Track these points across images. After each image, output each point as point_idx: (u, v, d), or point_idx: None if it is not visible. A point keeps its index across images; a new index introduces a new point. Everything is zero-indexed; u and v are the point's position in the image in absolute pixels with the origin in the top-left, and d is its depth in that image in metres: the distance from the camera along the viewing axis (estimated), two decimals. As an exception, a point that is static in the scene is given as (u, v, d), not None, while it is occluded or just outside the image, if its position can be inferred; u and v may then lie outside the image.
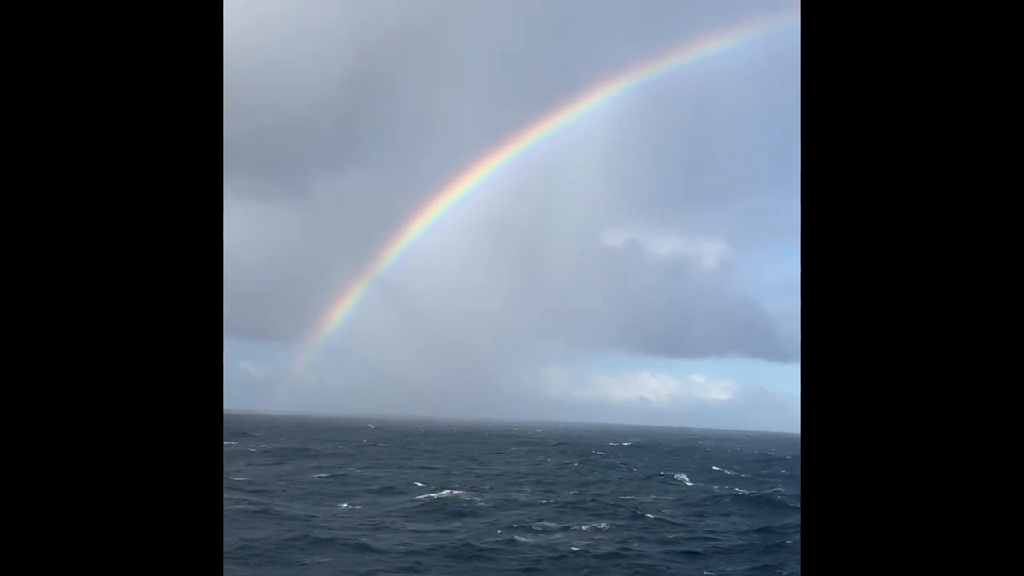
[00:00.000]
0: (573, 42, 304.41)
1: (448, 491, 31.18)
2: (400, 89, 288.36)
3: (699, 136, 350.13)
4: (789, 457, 70.08)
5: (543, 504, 28.58)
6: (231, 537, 19.18)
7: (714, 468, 51.89)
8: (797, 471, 8.61)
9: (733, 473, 48.05)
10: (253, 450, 54.14)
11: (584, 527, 23.76)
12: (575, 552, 19.73)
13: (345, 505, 27.42)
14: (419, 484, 33.87)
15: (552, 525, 24.02)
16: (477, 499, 29.29)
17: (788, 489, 34.36)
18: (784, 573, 18.58)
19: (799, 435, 2.42)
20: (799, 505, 4.39)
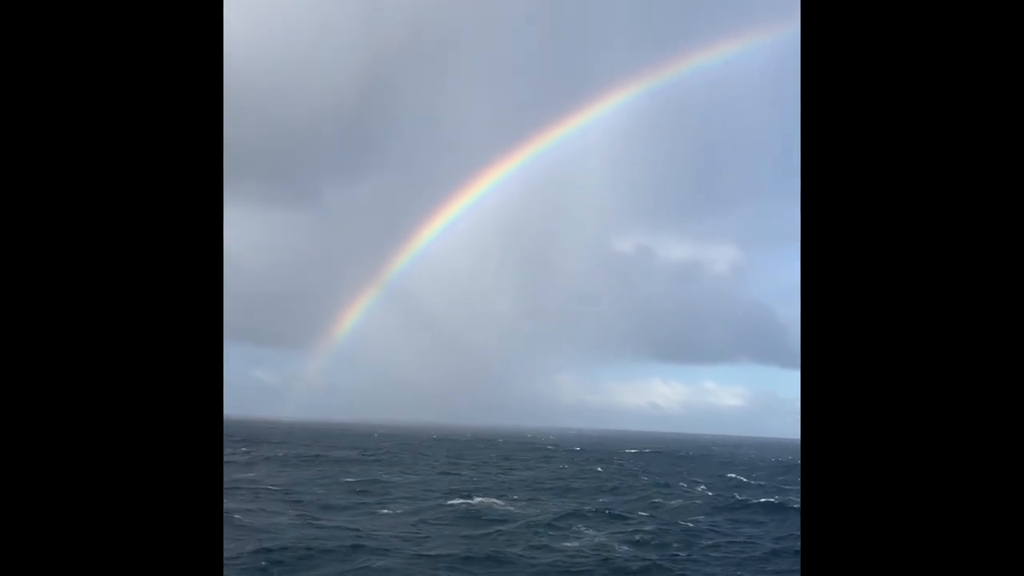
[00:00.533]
0: (585, 47, 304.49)
1: (481, 498, 31.56)
2: (411, 93, 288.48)
3: (710, 141, 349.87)
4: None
5: (575, 511, 28.92)
6: (290, 544, 19.64)
7: (730, 475, 52.05)
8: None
9: (754, 481, 48.24)
10: (272, 456, 54.43)
11: (623, 534, 24.13)
12: (624, 559, 20.13)
13: (386, 511, 27.93)
14: (449, 490, 34.26)
15: (592, 532, 24.43)
16: (511, 507, 29.65)
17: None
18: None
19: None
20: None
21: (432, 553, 19.87)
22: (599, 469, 54.88)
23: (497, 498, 31.94)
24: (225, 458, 50.32)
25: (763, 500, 34.07)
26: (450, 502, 29.95)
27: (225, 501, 26.43)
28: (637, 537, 23.71)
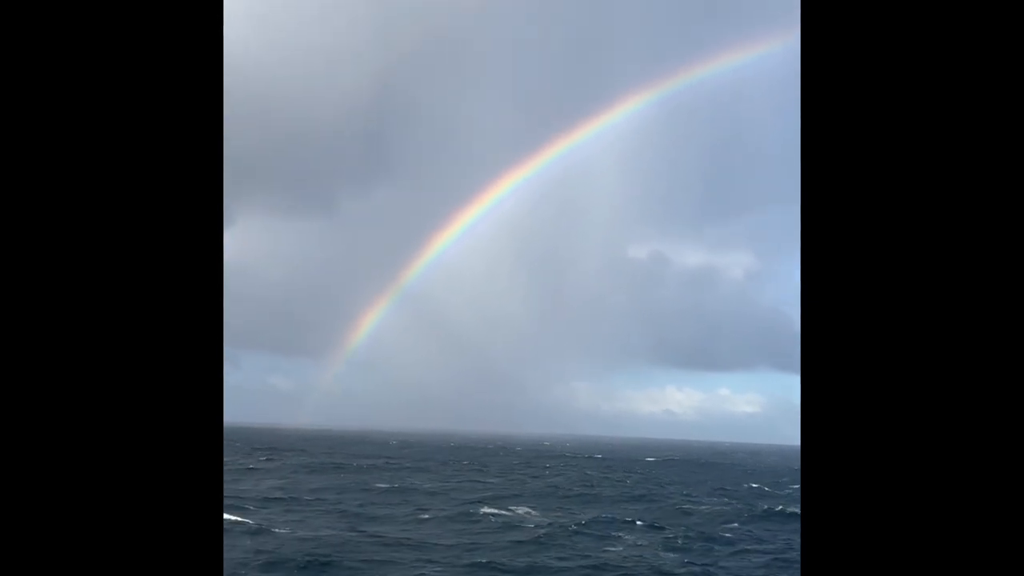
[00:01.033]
0: (599, 54, 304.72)
1: (514, 506, 31.93)
2: (426, 100, 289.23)
3: (724, 147, 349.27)
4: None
5: (611, 519, 29.24)
6: (365, 545, 20.05)
7: (754, 485, 52.20)
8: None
9: (782, 490, 48.38)
10: (297, 463, 54.88)
11: (664, 541, 24.45)
12: (672, 565, 20.48)
13: (426, 516, 28.44)
14: (482, 497, 34.60)
15: (631, 539, 24.80)
16: (545, 515, 29.99)
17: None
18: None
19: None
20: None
21: (484, 560, 20.31)
22: (624, 477, 55.12)
23: (531, 506, 32.29)
24: (250, 466, 50.77)
25: (793, 510, 34.26)
26: (484, 510, 30.30)
27: (265, 512, 26.87)
28: (679, 542, 24.06)
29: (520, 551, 21.96)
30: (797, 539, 21.66)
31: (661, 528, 27.50)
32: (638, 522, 28.63)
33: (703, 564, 21.04)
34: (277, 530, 23.50)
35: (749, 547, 24.09)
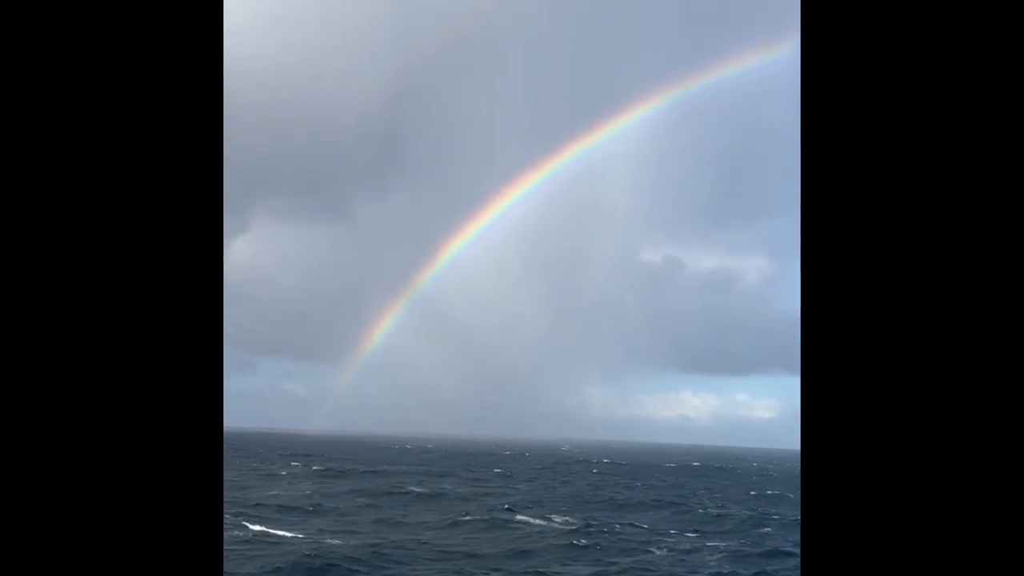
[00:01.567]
0: (613, 58, 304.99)
1: (547, 513, 32.08)
2: (441, 106, 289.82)
3: (739, 151, 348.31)
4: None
5: (649, 525, 29.39)
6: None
7: (778, 491, 52.20)
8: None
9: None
10: (317, 468, 54.98)
11: (709, 547, 24.61)
12: (726, 571, 20.65)
13: (467, 517, 28.62)
14: (515, 502, 34.75)
15: (675, 542, 24.99)
16: (578, 520, 30.13)
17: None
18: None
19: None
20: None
21: (548, 571, 20.58)
22: (649, 483, 55.21)
23: (560, 512, 32.38)
24: (274, 472, 50.93)
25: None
26: (520, 517, 30.44)
27: (308, 520, 27.00)
28: (723, 546, 24.21)
29: (566, 555, 22.17)
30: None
31: (700, 533, 27.64)
32: (671, 530, 28.72)
33: (755, 568, 21.17)
34: (329, 540, 23.64)
35: (787, 549, 24.21)
